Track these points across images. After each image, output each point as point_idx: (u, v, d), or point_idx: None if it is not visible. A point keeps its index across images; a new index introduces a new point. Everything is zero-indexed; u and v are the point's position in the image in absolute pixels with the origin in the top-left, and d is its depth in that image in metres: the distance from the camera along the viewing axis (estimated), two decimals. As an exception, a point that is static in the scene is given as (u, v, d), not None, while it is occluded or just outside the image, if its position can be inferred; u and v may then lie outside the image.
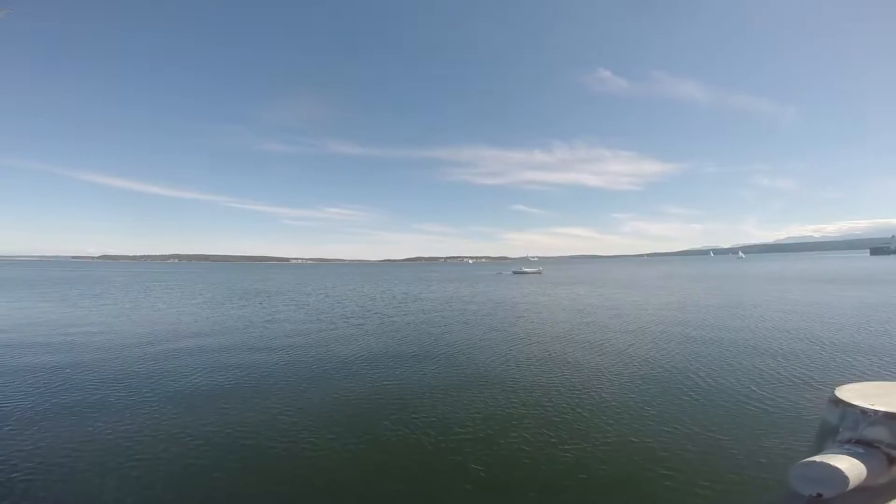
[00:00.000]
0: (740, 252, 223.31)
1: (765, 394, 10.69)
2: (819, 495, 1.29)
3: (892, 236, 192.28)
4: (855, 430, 1.44)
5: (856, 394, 1.51)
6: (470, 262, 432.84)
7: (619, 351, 15.75)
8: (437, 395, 11.09)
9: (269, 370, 13.68)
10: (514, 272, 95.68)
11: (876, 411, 1.38)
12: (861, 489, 1.29)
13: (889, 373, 12.56)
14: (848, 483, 1.25)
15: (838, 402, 1.50)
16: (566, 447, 7.99)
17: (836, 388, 1.59)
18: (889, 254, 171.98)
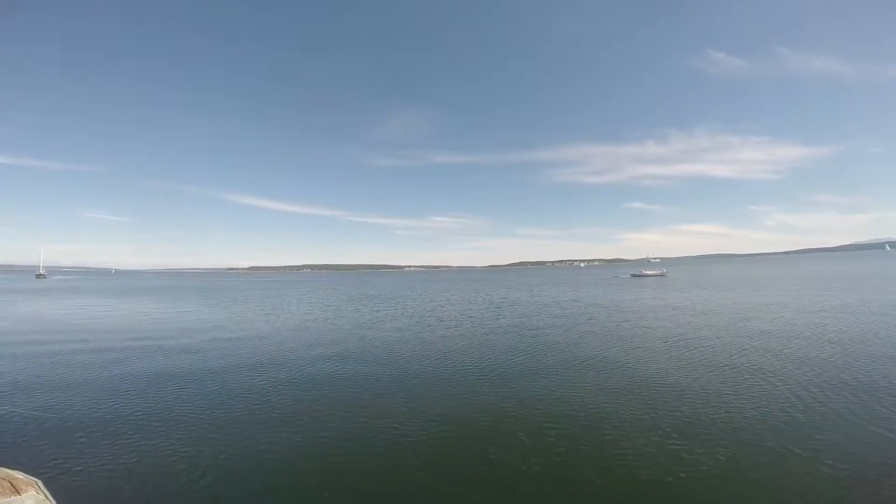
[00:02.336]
0: None
1: None
2: None
3: None
4: None
5: None
6: (581, 265, 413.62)
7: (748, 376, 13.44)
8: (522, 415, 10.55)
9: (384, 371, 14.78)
10: (633, 275, 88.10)
11: None
12: None
13: None
14: None
15: None
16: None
17: None
18: None
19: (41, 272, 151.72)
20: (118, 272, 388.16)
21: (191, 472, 7.50)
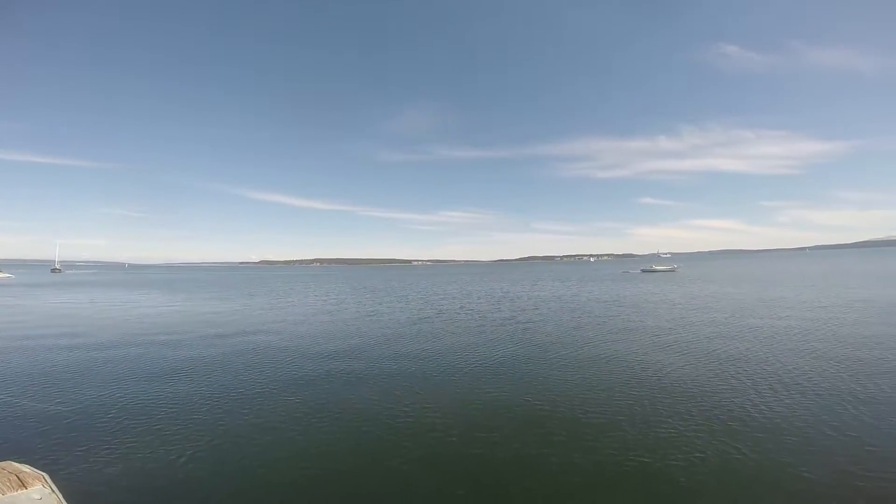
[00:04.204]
0: None
1: None
2: None
3: None
4: None
5: None
6: (591, 260, 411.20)
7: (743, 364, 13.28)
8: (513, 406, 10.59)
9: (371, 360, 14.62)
10: (643, 270, 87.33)
11: None
12: None
13: None
14: None
15: None
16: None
17: None
18: None
19: (56, 266, 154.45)
20: (131, 266, 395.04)
21: (195, 467, 7.57)
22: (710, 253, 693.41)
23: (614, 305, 29.65)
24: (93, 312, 31.12)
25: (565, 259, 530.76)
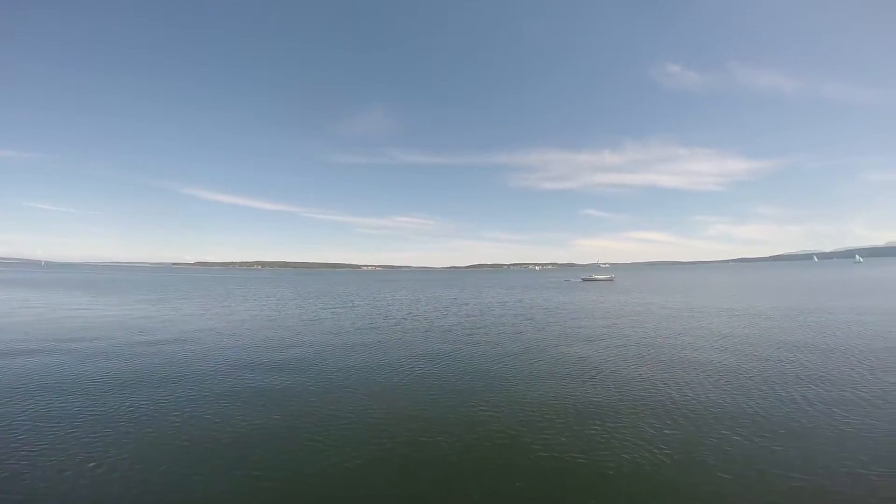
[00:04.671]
0: (858, 256, 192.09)
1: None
2: None
3: None
4: None
5: None
6: (537, 268, 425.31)
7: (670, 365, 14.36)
8: (456, 405, 10.80)
9: (306, 366, 14.28)
10: (584, 279, 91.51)
11: None
12: None
13: None
14: None
15: None
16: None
17: None
18: None
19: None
20: (48, 264, 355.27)
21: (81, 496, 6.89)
22: (646, 264, 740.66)
23: (554, 312, 30.76)
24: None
25: (513, 267, 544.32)
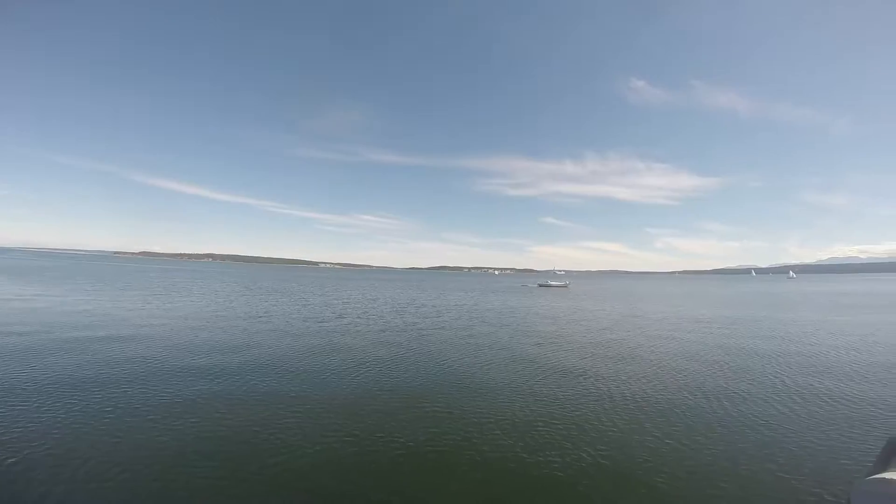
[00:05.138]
0: (791, 272, 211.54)
1: (821, 410, 10.18)
2: None
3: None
4: None
5: None
6: (496, 273, 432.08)
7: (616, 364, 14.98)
8: (419, 403, 10.72)
9: (258, 367, 13.79)
10: (540, 285, 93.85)
11: None
12: None
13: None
14: None
15: None
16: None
17: None
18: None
19: None
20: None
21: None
22: (599, 272, 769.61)
23: (508, 315, 31.34)
24: None
25: (473, 271, 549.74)
